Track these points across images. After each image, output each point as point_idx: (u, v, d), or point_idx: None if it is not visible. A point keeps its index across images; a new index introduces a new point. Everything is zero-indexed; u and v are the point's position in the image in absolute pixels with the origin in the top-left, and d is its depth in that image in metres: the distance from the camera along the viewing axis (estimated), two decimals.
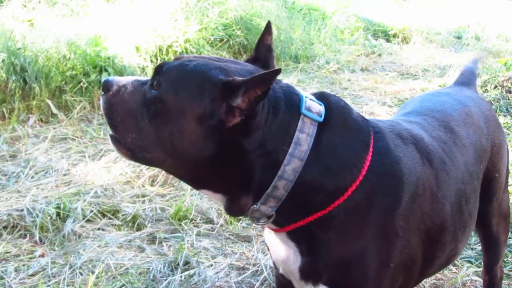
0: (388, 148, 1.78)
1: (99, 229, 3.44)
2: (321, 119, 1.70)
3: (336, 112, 1.74)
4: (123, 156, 1.77)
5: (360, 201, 1.70)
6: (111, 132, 1.77)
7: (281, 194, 1.67)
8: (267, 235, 1.93)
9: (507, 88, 5.88)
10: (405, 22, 8.99)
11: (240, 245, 3.33)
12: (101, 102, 1.78)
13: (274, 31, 7.07)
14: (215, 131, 1.62)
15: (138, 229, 3.47)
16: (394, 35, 8.70)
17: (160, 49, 5.96)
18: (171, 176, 4.04)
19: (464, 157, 2.07)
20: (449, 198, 1.92)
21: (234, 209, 1.74)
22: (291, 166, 1.65)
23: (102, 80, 1.83)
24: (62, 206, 3.50)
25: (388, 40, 8.60)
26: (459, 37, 9.14)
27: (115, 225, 3.49)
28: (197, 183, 1.75)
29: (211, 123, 1.62)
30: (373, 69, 7.20)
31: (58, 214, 3.47)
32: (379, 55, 7.81)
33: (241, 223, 3.55)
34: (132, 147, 1.71)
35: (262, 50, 1.88)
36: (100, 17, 6.34)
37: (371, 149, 1.74)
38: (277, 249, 1.87)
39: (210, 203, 3.71)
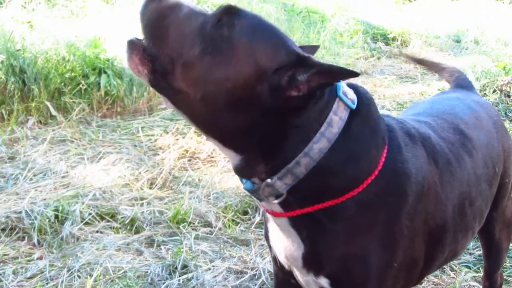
0: (400, 147, 1.77)
1: (97, 231, 3.44)
2: (354, 106, 1.68)
3: (365, 103, 1.72)
4: (135, 66, 1.63)
5: (373, 196, 1.69)
6: (131, 38, 1.65)
7: (300, 172, 1.63)
8: (271, 223, 1.89)
9: (506, 92, 5.89)
10: (404, 25, 9.00)
11: (238, 248, 3.33)
12: (144, 7, 1.65)
13: None
14: (270, 94, 1.58)
15: (136, 232, 3.47)
16: (393, 39, 8.71)
17: None
18: (169, 179, 4.05)
19: (473, 159, 2.06)
20: (452, 199, 1.91)
21: (245, 172, 1.69)
22: (319, 145, 1.61)
23: None
24: (60, 208, 3.50)
25: (387, 44, 8.62)
26: (458, 41, 9.16)
27: (113, 228, 3.49)
28: (212, 131, 1.67)
29: (271, 85, 1.57)
30: (372, 72, 7.21)
31: (56, 216, 3.46)
32: (378, 58, 7.82)
33: (239, 227, 3.55)
34: (160, 61, 1.60)
35: (306, 51, 1.89)
36: (99, 18, 6.35)
37: (386, 146, 1.74)
38: (281, 235, 1.83)
39: (208, 206, 3.72)
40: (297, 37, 7.59)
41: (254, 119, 1.59)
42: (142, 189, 3.92)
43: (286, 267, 1.90)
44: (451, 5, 11.02)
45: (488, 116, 2.32)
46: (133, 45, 1.64)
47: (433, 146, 1.91)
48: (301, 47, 1.86)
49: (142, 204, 3.72)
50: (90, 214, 3.54)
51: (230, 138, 1.64)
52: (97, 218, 3.55)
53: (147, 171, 4.13)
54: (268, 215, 1.84)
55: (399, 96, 6.23)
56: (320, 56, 7.32)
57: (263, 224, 3.53)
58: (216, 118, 1.61)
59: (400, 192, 1.74)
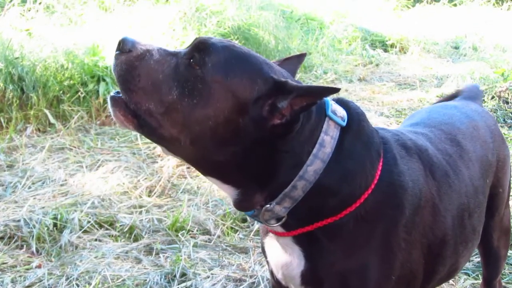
0: (395, 159, 1.78)
1: (96, 240, 3.44)
2: (344, 124, 1.69)
3: (355, 119, 1.73)
4: (122, 122, 1.64)
5: (369, 210, 1.70)
6: (113, 94, 1.65)
7: (298, 195, 1.64)
8: (267, 239, 1.90)
9: (504, 98, 5.90)
10: (402, 32, 9.02)
11: (237, 256, 3.33)
12: (115, 61, 1.65)
13: (272, 41, 7.10)
14: (253, 126, 1.58)
15: (135, 240, 3.47)
16: (392, 45, 8.72)
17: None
18: (168, 187, 4.05)
19: (470, 171, 2.07)
20: (450, 211, 1.91)
21: (244, 205, 1.70)
22: (313, 167, 1.63)
23: (121, 38, 1.67)
24: (59, 216, 3.50)
25: (385, 50, 8.63)
26: (456, 47, 9.18)
27: (112, 236, 3.49)
28: (209, 170, 1.69)
29: (252, 117, 1.58)
30: (371, 79, 7.22)
31: (55, 224, 3.47)
32: (377, 65, 7.83)
33: (238, 234, 3.55)
34: (143, 117, 1.60)
35: (293, 62, 1.89)
36: (98, 26, 6.36)
37: (381, 159, 1.74)
38: (279, 253, 1.84)
39: (207, 214, 3.72)
40: (296, 44, 7.61)
41: (244, 151, 1.60)
42: (140, 197, 3.92)
43: (283, 283, 1.90)
44: (450, 12, 11.04)
45: (485, 125, 2.33)
46: (114, 102, 1.64)
47: (430, 158, 1.91)
48: (287, 59, 1.87)
49: (140, 212, 3.72)
50: (88, 222, 3.54)
51: (226, 173, 1.65)
52: (96, 226, 3.55)
53: (145, 179, 4.13)
54: (269, 233, 1.85)
55: (398, 103, 6.23)
56: (318, 63, 7.35)
57: None
58: (209, 157, 1.62)
59: (396, 205, 1.74)
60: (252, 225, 3.62)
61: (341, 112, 1.70)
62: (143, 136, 4.66)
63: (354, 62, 7.80)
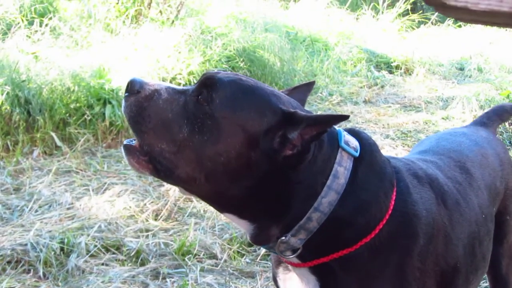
0: (408, 189, 1.80)
1: (103, 264, 3.45)
2: (357, 154, 1.71)
3: (368, 149, 1.76)
4: (138, 169, 1.68)
5: (384, 240, 1.71)
6: (126, 142, 1.70)
7: (313, 227, 1.66)
8: (280, 269, 1.90)
9: (510, 121, 5.92)
10: (407, 53, 9.05)
11: (244, 281, 3.34)
12: (125, 103, 1.69)
13: (277, 63, 7.13)
14: (265, 159, 1.61)
15: (142, 264, 3.48)
16: (397, 67, 8.75)
17: (164, 81, 6.00)
18: (174, 210, 4.07)
19: (479, 199, 2.09)
20: (462, 240, 1.93)
21: (260, 239, 1.72)
22: (328, 198, 1.65)
23: (129, 79, 1.71)
24: (66, 241, 3.52)
25: (390, 72, 8.66)
26: (461, 69, 9.20)
27: (119, 260, 3.51)
28: (224, 207, 1.71)
29: (264, 150, 1.61)
30: (376, 101, 7.24)
31: (62, 249, 3.48)
32: (382, 86, 7.86)
33: (244, 259, 3.56)
34: (158, 159, 1.64)
35: (301, 90, 1.91)
36: (104, 49, 6.40)
37: (395, 189, 1.76)
38: (293, 284, 1.84)
39: (213, 238, 3.73)
40: (301, 66, 7.65)
41: (257, 185, 1.63)
42: (147, 220, 3.94)
43: None
44: (454, 33, 11.09)
45: (495, 153, 2.34)
46: (128, 150, 1.69)
47: (441, 187, 1.93)
48: (296, 88, 1.90)
49: (147, 236, 3.73)
50: (95, 246, 3.55)
51: (241, 208, 1.68)
52: (103, 250, 3.56)
53: (152, 202, 4.15)
54: (282, 264, 1.87)
55: (403, 125, 6.25)
56: (324, 85, 7.38)
57: (268, 256, 3.56)
58: (224, 193, 1.65)
59: (411, 234, 1.76)
60: (259, 249, 3.63)
61: (354, 142, 1.73)
62: None
63: (359, 84, 7.83)
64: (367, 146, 1.76)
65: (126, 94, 1.70)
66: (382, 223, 1.71)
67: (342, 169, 1.67)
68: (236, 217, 1.71)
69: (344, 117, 1.62)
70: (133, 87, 1.68)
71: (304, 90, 1.96)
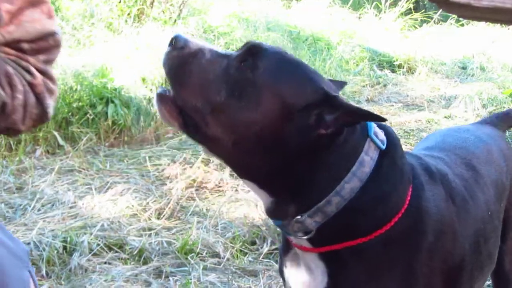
0: (422, 185, 1.80)
1: (105, 263, 3.46)
2: (383, 147, 1.71)
3: (392, 143, 1.76)
4: (168, 119, 1.67)
5: (397, 234, 1.71)
6: (160, 90, 1.69)
7: (331, 211, 1.65)
8: (288, 256, 1.89)
9: None
10: (410, 52, 9.03)
11: (246, 279, 3.34)
12: (166, 56, 1.68)
13: None
14: (298, 133, 1.60)
15: (145, 263, 3.49)
16: (399, 66, 8.74)
17: (166, 80, 6.00)
18: (177, 209, 4.07)
19: (485, 195, 2.08)
20: (468, 237, 1.92)
21: (276, 213, 1.71)
22: (350, 184, 1.64)
23: (173, 35, 1.69)
24: (68, 239, 3.52)
25: (393, 71, 8.65)
26: (464, 68, 9.18)
27: (122, 258, 3.51)
28: (246, 174, 1.70)
29: (298, 125, 1.60)
30: (379, 100, 7.24)
31: (64, 247, 3.49)
32: (385, 85, 7.85)
33: (247, 257, 3.56)
34: (189, 114, 1.63)
35: (336, 85, 1.90)
36: (106, 48, 6.41)
37: (411, 185, 1.77)
38: (300, 271, 1.83)
39: (216, 236, 3.73)
40: None
41: (286, 159, 1.62)
42: (150, 219, 3.94)
43: None
44: (456, 32, 11.07)
45: (499, 149, 2.34)
46: (161, 98, 1.67)
47: (450, 183, 1.93)
48: (330, 81, 1.88)
49: (150, 235, 3.74)
50: (98, 245, 3.56)
51: (264, 179, 1.67)
52: (105, 249, 3.57)
53: (154, 201, 4.15)
54: (291, 251, 1.86)
55: (406, 124, 6.25)
56: None
57: (271, 254, 3.56)
58: (249, 161, 1.64)
59: (422, 230, 1.76)
60: (261, 248, 3.63)
61: (382, 135, 1.73)
62: (151, 158, 4.67)
63: (361, 83, 7.82)
64: (392, 141, 1.75)
65: (169, 48, 1.69)
66: (398, 216, 1.70)
67: (368, 158, 1.67)
68: (256, 186, 1.69)
69: (382, 119, 1.62)
70: (178, 43, 1.67)
71: (337, 86, 1.95)
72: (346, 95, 7.19)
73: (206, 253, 3.58)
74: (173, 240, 3.67)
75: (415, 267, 1.74)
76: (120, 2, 7.13)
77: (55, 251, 3.43)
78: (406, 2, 10.92)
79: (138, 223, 3.86)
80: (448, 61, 9.26)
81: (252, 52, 1.65)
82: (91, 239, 3.58)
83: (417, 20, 11.28)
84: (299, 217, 1.66)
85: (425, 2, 13.20)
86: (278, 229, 1.92)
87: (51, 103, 1.95)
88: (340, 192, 1.64)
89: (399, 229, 1.71)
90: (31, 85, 1.87)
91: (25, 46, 1.88)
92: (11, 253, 1.60)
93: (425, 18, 11.32)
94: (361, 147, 1.67)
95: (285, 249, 1.91)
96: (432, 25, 11.26)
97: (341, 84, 2.00)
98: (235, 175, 1.97)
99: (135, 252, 3.54)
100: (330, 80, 1.88)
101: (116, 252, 3.56)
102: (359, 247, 1.69)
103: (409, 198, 1.74)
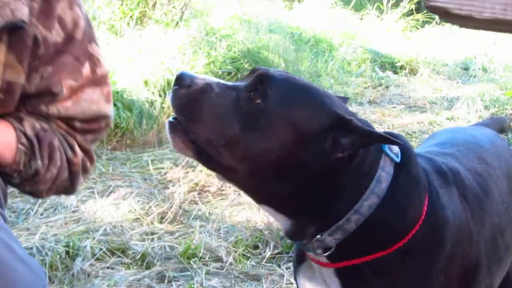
0: (437, 192, 1.80)
1: (108, 267, 3.45)
2: (398, 160, 1.71)
3: (406, 154, 1.75)
4: (181, 149, 1.66)
5: (415, 245, 1.71)
6: (171, 119, 1.67)
7: (350, 228, 1.65)
8: (303, 267, 1.89)
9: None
10: (412, 53, 9.04)
11: (249, 284, 3.34)
12: (174, 95, 1.66)
13: (282, 64, 7.14)
14: (315, 159, 1.61)
15: (147, 267, 3.48)
16: (401, 67, 8.74)
17: (168, 83, 6.01)
18: (179, 213, 4.07)
19: (499, 188, 2.07)
20: (483, 234, 1.92)
21: (296, 235, 1.71)
22: (369, 202, 1.65)
23: (178, 73, 1.68)
24: (71, 244, 3.52)
25: (395, 72, 8.64)
26: (466, 69, 9.18)
27: (124, 263, 3.51)
28: (263, 200, 1.70)
29: (315, 150, 1.60)
30: (381, 101, 7.24)
31: (67, 252, 3.49)
32: (387, 87, 7.85)
33: (250, 262, 3.56)
34: (202, 145, 1.62)
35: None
36: (108, 50, 6.41)
37: (427, 193, 1.76)
38: (316, 284, 1.83)
39: (219, 240, 3.73)
40: (305, 67, 7.64)
41: (303, 183, 1.62)
42: (152, 223, 3.94)
43: None
44: (458, 33, 11.05)
45: (502, 145, 2.35)
46: (174, 128, 1.66)
47: (463, 181, 1.92)
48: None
49: (152, 239, 3.73)
50: (101, 249, 3.56)
51: (281, 204, 1.67)
52: (108, 253, 3.56)
53: (157, 205, 4.16)
54: (305, 262, 1.86)
55: (408, 125, 6.25)
56: (328, 86, 7.37)
57: (273, 258, 3.56)
58: (266, 188, 1.64)
59: (440, 239, 1.76)
60: (264, 252, 3.63)
61: (395, 148, 1.73)
62: (154, 161, 4.66)
63: (364, 85, 7.82)
64: (406, 152, 1.75)
65: (176, 87, 1.68)
66: (416, 228, 1.71)
67: (384, 174, 1.67)
68: (273, 211, 1.70)
69: (397, 143, 1.62)
70: (184, 81, 1.67)
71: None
72: (349, 96, 7.18)
73: (209, 258, 3.58)
74: (175, 245, 3.67)
75: (432, 276, 1.75)
76: (122, 4, 7.13)
77: (58, 256, 3.43)
78: (408, 3, 10.92)
79: (141, 228, 3.86)
80: (450, 62, 9.26)
81: (261, 81, 1.64)
82: (94, 244, 3.58)
83: (419, 21, 11.27)
84: (319, 236, 1.67)
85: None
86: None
87: (81, 181, 1.97)
88: (359, 210, 1.64)
89: (417, 240, 1.71)
90: (70, 162, 1.89)
91: (77, 124, 1.89)
92: (32, 271, 1.61)
93: (427, 19, 11.31)
94: (377, 164, 1.67)
95: (299, 259, 1.91)
96: (434, 26, 11.26)
97: (344, 100, 2.00)
98: None
99: (138, 256, 3.54)
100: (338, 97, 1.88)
101: (119, 256, 3.56)
102: (377, 261, 1.69)
103: (426, 208, 1.74)
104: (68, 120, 1.88)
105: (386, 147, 1.69)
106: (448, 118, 6.48)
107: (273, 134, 1.59)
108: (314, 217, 1.67)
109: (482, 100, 6.89)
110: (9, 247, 1.57)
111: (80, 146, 1.91)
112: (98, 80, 1.91)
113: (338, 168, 1.62)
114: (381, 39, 9.67)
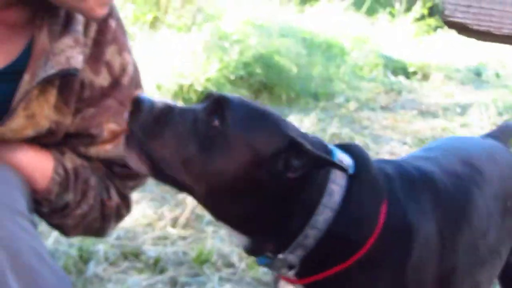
0: (398, 199, 1.81)
1: (121, 272, 3.48)
2: (350, 171, 1.74)
3: (360, 165, 1.78)
4: (134, 162, 1.66)
5: (375, 255, 1.73)
6: (127, 133, 1.67)
7: (309, 244, 1.69)
8: (280, 284, 1.90)
9: None
10: (424, 58, 9.02)
11: None
12: (130, 118, 1.66)
13: (294, 68, 7.15)
14: (269, 179, 1.65)
15: (160, 272, 3.50)
16: (414, 72, 8.73)
17: (181, 88, 6.03)
18: (192, 218, 4.09)
19: (482, 191, 2.06)
20: (460, 238, 1.91)
21: (255, 252, 1.75)
22: (323, 216, 1.68)
23: (135, 97, 1.67)
24: (84, 248, 3.54)
25: (407, 77, 8.63)
26: (478, 74, 9.16)
27: (137, 268, 3.53)
28: (221, 217, 1.74)
29: (269, 171, 1.65)
30: (393, 107, 7.23)
31: (80, 256, 3.51)
32: (399, 92, 7.84)
33: (262, 268, 3.57)
34: (157, 162, 1.64)
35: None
36: None
37: (386, 202, 1.78)
38: None
39: (231, 246, 3.75)
40: (317, 71, 7.63)
41: (257, 202, 1.67)
42: (165, 228, 3.96)
43: None
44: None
45: (502, 156, 2.31)
46: (129, 141, 1.67)
47: (435, 185, 1.92)
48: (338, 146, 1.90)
49: (165, 244, 3.76)
50: (114, 254, 3.58)
51: (238, 222, 1.71)
52: (121, 258, 3.59)
53: (169, 210, 4.17)
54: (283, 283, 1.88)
55: (421, 132, 6.25)
56: (340, 91, 7.37)
57: None
58: (222, 206, 1.68)
59: (402, 247, 1.78)
60: None
61: (346, 160, 1.77)
62: None
63: (376, 90, 7.82)
64: (361, 161, 1.79)
65: (132, 110, 1.69)
66: (373, 238, 1.73)
67: (336, 187, 1.71)
68: (231, 228, 1.74)
69: (344, 170, 1.69)
70: (142, 104, 1.67)
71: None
72: (361, 102, 7.19)
73: (221, 263, 3.60)
74: (188, 250, 3.69)
75: (399, 285, 1.77)
76: (134, 9, 7.17)
77: (71, 260, 3.46)
78: (420, 8, 10.91)
79: (154, 232, 3.88)
80: (462, 68, 9.24)
81: (219, 103, 1.68)
82: (107, 248, 3.61)
83: (430, 25, 11.27)
84: (281, 256, 1.70)
85: (439, 8, 13.15)
86: None
87: (112, 226, 2.02)
88: (315, 225, 1.68)
89: (375, 250, 1.73)
90: (103, 204, 1.93)
91: (117, 169, 1.93)
92: (59, 278, 1.65)
93: (438, 24, 11.29)
94: (328, 177, 1.71)
95: (276, 277, 1.93)
96: (446, 31, 11.22)
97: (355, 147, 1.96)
98: None
99: (151, 261, 3.56)
100: (340, 145, 1.90)
101: (132, 261, 3.59)
102: (339, 273, 1.72)
103: (383, 217, 1.76)
104: (107, 163, 1.92)
105: (337, 160, 1.73)
106: (461, 125, 6.47)
107: (230, 155, 1.63)
108: (270, 235, 1.70)
109: (495, 106, 6.88)
110: (40, 255, 1.64)
111: (118, 191, 1.95)
112: None
113: (291, 187, 1.67)
114: (393, 44, 9.67)
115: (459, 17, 1.13)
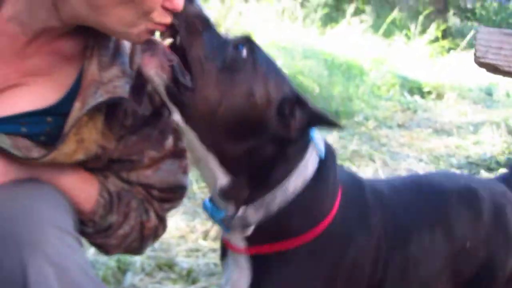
0: (347, 202, 1.81)
1: (157, 282, 3.48)
2: (323, 156, 1.76)
3: (330, 155, 1.81)
4: (153, 68, 1.61)
5: (320, 246, 1.73)
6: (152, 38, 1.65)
7: (272, 208, 1.68)
8: (225, 261, 1.88)
9: None
10: (438, 78, 8.99)
11: None
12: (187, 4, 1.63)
13: (316, 88, 7.14)
14: (275, 120, 1.66)
15: (193, 282, 3.51)
16: (429, 92, 8.70)
17: None
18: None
19: (436, 230, 1.96)
20: (392, 255, 1.87)
21: (228, 195, 1.70)
22: (295, 183, 1.69)
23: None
24: (122, 259, 3.55)
25: (422, 97, 8.60)
26: (490, 94, 9.11)
27: (171, 278, 3.53)
28: (214, 148, 1.67)
29: (276, 111, 1.67)
30: (409, 125, 7.20)
31: (118, 267, 3.52)
32: (415, 111, 7.81)
33: None
34: (180, 71, 1.60)
35: None
36: None
37: (338, 198, 1.79)
38: (233, 272, 1.82)
39: None
40: (338, 91, 7.61)
41: (257, 142, 1.67)
42: (197, 241, 3.97)
43: None
44: None
45: (490, 207, 2.05)
46: (152, 44, 1.63)
47: (381, 200, 1.90)
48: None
49: (197, 256, 3.76)
50: (149, 265, 3.59)
51: (230, 158, 1.68)
52: (156, 269, 3.59)
53: (201, 223, 4.18)
54: (229, 252, 1.84)
55: (436, 149, 6.21)
56: (359, 110, 7.35)
57: None
58: (224, 136, 1.65)
59: (341, 246, 1.77)
60: None
61: (322, 143, 1.79)
62: (198, 181, 4.68)
63: (393, 108, 7.80)
64: (330, 153, 1.82)
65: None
66: (324, 225, 1.73)
67: (311, 162, 1.73)
68: (217, 164, 1.68)
69: (339, 127, 1.78)
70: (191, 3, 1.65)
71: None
72: (379, 120, 7.16)
73: None
74: (219, 262, 3.68)
75: (335, 276, 1.75)
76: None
77: (110, 271, 3.47)
78: (435, 30, 10.89)
79: (186, 244, 3.89)
80: (474, 87, 9.19)
81: (249, 39, 1.70)
82: (143, 259, 3.61)
83: (444, 47, 11.24)
84: (240, 212, 1.67)
85: (452, 30, 13.15)
86: None
87: (149, 245, 2.05)
88: (286, 189, 1.68)
89: (322, 241, 1.73)
90: (143, 226, 1.95)
91: (155, 192, 1.94)
92: None
93: (452, 46, 11.26)
94: (307, 149, 1.73)
95: (223, 253, 1.91)
96: (459, 52, 11.19)
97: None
98: None
99: (184, 272, 3.56)
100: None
101: (167, 271, 3.59)
102: (286, 252, 1.71)
103: (335, 210, 1.76)
104: (147, 188, 1.93)
105: (315, 139, 1.76)
106: (474, 143, 6.42)
107: (250, 82, 1.64)
108: (251, 180, 1.68)
109: (506, 124, 6.82)
110: (85, 271, 1.66)
111: (156, 213, 1.97)
112: (179, 153, 1.94)
113: (287, 137, 1.68)
114: (409, 65, 9.64)
115: (490, 59, 1.12)
